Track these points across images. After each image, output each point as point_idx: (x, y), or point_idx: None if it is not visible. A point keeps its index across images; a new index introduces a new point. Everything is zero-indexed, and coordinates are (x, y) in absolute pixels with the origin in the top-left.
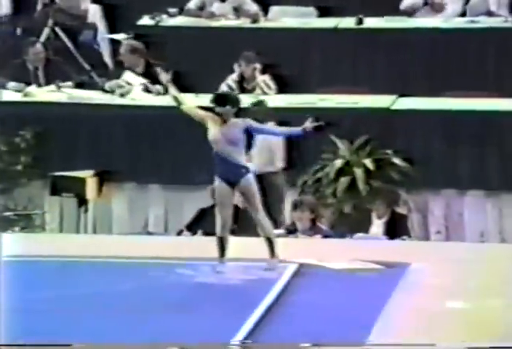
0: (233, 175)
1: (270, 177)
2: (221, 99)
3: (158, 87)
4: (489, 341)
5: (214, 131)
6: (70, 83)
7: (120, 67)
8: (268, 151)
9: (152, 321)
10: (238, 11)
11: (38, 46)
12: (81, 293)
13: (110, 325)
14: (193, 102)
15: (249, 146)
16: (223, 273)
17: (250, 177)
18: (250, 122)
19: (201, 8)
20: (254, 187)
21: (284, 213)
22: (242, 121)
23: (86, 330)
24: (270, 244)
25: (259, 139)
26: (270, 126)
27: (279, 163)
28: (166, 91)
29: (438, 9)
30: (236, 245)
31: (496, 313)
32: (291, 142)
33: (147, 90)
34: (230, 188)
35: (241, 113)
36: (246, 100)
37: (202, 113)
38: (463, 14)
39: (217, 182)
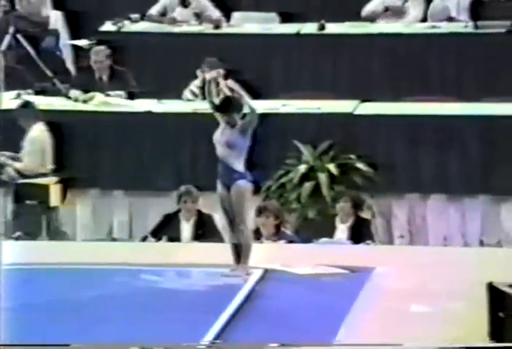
0: (227, 179)
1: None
2: (227, 102)
3: (121, 94)
4: (450, 344)
5: (217, 132)
6: (30, 90)
7: (82, 73)
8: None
9: (116, 327)
10: (200, 17)
11: None
12: (45, 300)
13: (73, 332)
14: (158, 108)
15: (251, 152)
16: (230, 277)
17: (242, 184)
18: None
19: (163, 14)
20: (244, 195)
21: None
22: (242, 125)
23: (48, 337)
24: (245, 251)
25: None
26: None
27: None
28: (129, 97)
29: (398, 15)
30: (201, 250)
31: (459, 316)
32: (252, 147)
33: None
34: (227, 192)
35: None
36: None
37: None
38: (424, 20)
39: (219, 187)
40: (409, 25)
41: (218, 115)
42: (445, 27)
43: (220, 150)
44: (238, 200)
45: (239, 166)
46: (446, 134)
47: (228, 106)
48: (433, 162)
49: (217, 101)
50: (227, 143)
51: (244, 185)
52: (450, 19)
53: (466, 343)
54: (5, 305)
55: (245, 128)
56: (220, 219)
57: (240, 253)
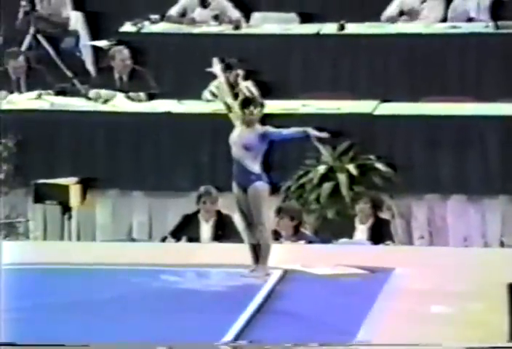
0: (244, 180)
1: None
2: (246, 102)
3: (141, 94)
4: (471, 344)
5: (234, 133)
6: (50, 91)
7: (102, 74)
8: None
9: (136, 328)
10: (219, 17)
11: (20, 59)
12: (65, 301)
13: (93, 332)
14: (178, 109)
15: (267, 154)
16: (249, 277)
17: (259, 185)
18: (267, 128)
19: (183, 14)
20: (261, 196)
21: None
22: (261, 127)
23: (68, 338)
24: (264, 252)
25: None
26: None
27: None
28: (149, 99)
29: (415, 18)
30: (220, 251)
31: (479, 317)
32: (272, 147)
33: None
34: (243, 193)
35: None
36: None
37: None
38: (444, 21)
39: (234, 188)
40: (429, 25)
41: (234, 116)
42: (465, 28)
43: (236, 152)
44: (255, 201)
45: (255, 167)
46: (465, 135)
47: (248, 106)
48: (452, 163)
49: (229, 101)
50: (244, 145)
51: (261, 186)
52: (470, 19)
53: (486, 344)
54: (24, 305)
55: (266, 133)
56: (239, 220)
57: (259, 254)
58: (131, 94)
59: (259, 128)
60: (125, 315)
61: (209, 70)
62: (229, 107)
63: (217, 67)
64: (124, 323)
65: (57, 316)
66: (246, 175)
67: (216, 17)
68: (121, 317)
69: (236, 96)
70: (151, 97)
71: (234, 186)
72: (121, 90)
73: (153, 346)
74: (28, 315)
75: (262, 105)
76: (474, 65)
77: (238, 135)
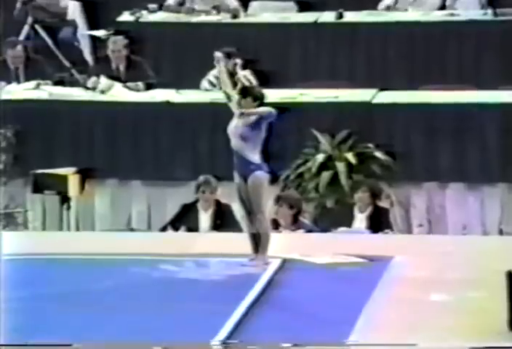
0: (244, 170)
1: None
2: (245, 91)
3: (139, 84)
4: (471, 333)
5: (231, 124)
6: (49, 81)
7: (100, 63)
8: None
9: (136, 317)
10: (218, 6)
11: (18, 49)
12: (64, 290)
13: (93, 322)
14: (176, 98)
15: (267, 143)
16: (249, 267)
17: (258, 175)
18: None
19: (181, 4)
20: (261, 185)
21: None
22: (257, 117)
23: (67, 328)
24: (264, 241)
25: None
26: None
27: None
28: (147, 88)
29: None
30: (219, 240)
31: (478, 305)
32: (270, 136)
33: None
34: (244, 183)
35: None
36: None
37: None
38: (442, 8)
39: (236, 178)
40: (427, 13)
41: (233, 106)
42: (463, 15)
43: (235, 142)
44: (255, 190)
45: (255, 157)
46: (464, 123)
47: (246, 95)
48: (451, 150)
49: (229, 90)
50: (241, 135)
51: (261, 175)
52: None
53: (484, 333)
54: (23, 295)
55: (260, 120)
56: (238, 209)
57: (258, 243)
58: (129, 83)
59: (253, 117)
60: (124, 305)
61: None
62: (229, 97)
63: (219, 56)
64: (123, 312)
65: (56, 306)
66: (246, 165)
67: (214, 7)
68: (120, 307)
69: (235, 85)
70: (149, 86)
71: (235, 176)
72: (118, 79)
73: (149, 346)
74: (28, 305)
75: (261, 95)
76: (473, 53)
77: (235, 125)
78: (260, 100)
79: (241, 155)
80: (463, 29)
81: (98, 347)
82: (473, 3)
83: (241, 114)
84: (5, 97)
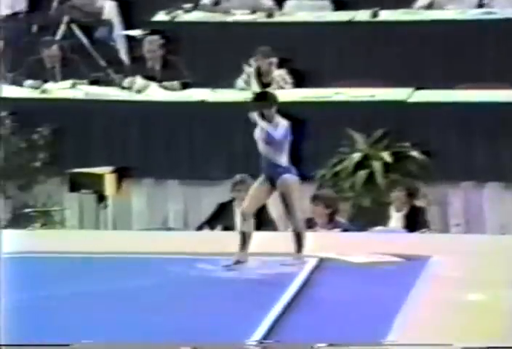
0: (272, 174)
1: None
2: (260, 96)
3: (174, 83)
4: (508, 333)
5: (257, 128)
6: (84, 81)
7: (136, 63)
8: None
9: (172, 316)
10: (253, 5)
11: (55, 48)
12: (100, 289)
13: (130, 321)
14: (211, 98)
15: (297, 147)
16: (286, 266)
17: (287, 177)
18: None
19: (217, 3)
20: (291, 188)
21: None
22: (283, 122)
23: (103, 326)
24: (299, 240)
25: None
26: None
27: None
28: (183, 87)
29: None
30: (256, 239)
31: None
32: (306, 136)
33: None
34: (270, 186)
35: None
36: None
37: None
38: (480, 6)
39: (259, 181)
40: (464, 11)
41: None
42: (501, 13)
43: (262, 146)
44: (287, 194)
45: (282, 160)
46: (500, 122)
47: (264, 100)
48: (488, 150)
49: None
50: (266, 140)
51: (290, 178)
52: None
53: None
54: (59, 292)
55: (284, 123)
56: (274, 209)
57: (246, 242)
58: (165, 83)
59: (279, 121)
60: (161, 304)
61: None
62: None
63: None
64: (159, 312)
65: (94, 305)
66: (274, 169)
67: (250, 5)
68: (156, 306)
69: (264, 85)
70: (185, 85)
71: (261, 177)
72: (153, 79)
73: (177, 346)
74: (63, 303)
75: (274, 100)
76: (510, 51)
77: (260, 130)
78: (272, 104)
79: (269, 159)
80: (500, 27)
81: (98, 347)
82: (510, 2)
83: (270, 120)
84: (42, 95)
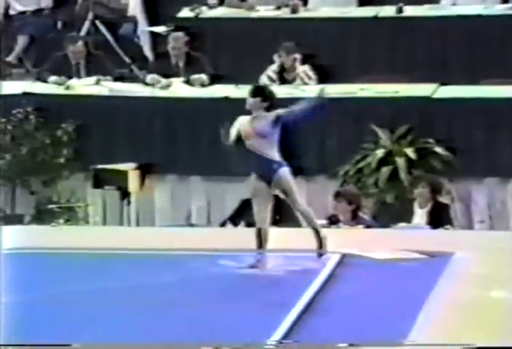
0: (266, 171)
1: None
2: (255, 91)
3: (203, 77)
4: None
5: (243, 127)
6: (109, 77)
7: (160, 59)
8: None
9: (195, 313)
10: (277, 1)
11: (79, 44)
12: (124, 285)
13: (152, 318)
14: (235, 94)
15: (283, 140)
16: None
17: (282, 172)
18: (277, 111)
19: None
20: (288, 182)
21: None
22: (271, 113)
23: (127, 322)
24: (316, 234)
25: None
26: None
27: None
28: (211, 81)
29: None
30: (278, 235)
31: None
32: (330, 131)
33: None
34: (265, 183)
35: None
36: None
37: (234, 129)
38: (505, 2)
39: (252, 176)
40: (489, 6)
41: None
42: None
43: (253, 143)
44: (286, 188)
45: (275, 155)
46: None
47: (256, 95)
48: (511, 145)
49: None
50: (258, 133)
51: (285, 171)
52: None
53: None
54: (84, 287)
55: (278, 118)
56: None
57: (262, 238)
58: (193, 76)
59: (268, 114)
60: (184, 301)
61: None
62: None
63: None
64: (182, 308)
65: (117, 301)
66: (268, 165)
67: (274, 1)
68: (180, 302)
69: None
70: (214, 79)
71: (253, 177)
72: (177, 76)
73: (198, 346)
74: (91, 298)
75: (271, 95)
76: None
77: (251, 127)
78: (269, 101)
79: (262, 156)
80: None
81: (98, 347)
82: None
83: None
84: (67, 92)
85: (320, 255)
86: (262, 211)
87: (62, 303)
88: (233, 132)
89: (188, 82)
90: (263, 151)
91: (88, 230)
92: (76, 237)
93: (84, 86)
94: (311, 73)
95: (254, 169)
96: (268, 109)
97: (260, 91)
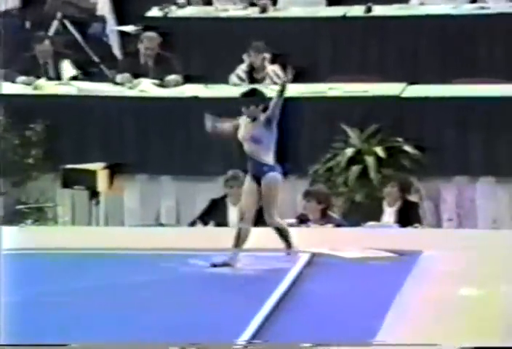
0: (257, 173)
1: None
2: (248, 93)
3: (174, 77)
4: (502, 327)
5: (242, 129)
6: (78, 75)
7: (129, 59)
8: None
9: (165, 313)
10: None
11: (46, 43)
12: (93, 285)
13: (121, 317)
14: (205, 93)
15: (279, 143)
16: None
17: (271, 176)
18: (267, 113)
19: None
20: (273, 188)
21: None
22: (262, 116)
23: (97, 323)
24: (283, 235)
25: None
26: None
27: None
28: (185, 82)
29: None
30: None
31: (508, 300)
32: (300, 131)
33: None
34: (257, 184)
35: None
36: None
37: (234, 123)
38: (473, 1)
39: (247, 176)
40: (458, 6)
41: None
42: (494, 8)
43: (248, 146)
44: (268, 191)
45: (269, 159)
46: (494, 116)
47: (252, 98)
48: (481, 144)
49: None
50: (252, 138)
51: (275, 176)
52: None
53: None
54: (53, 288)
55: (269, 120)
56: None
57: (241, 238)
58: (167, 78)
59: (262, 117)
60: (153, 301)
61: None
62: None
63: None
64: (152, 308)
65: (84, 301)
66: (259, 167)
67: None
68: (149, 302)
69: (257, 81)
70: (187, 79)
71: (248, 176)
72: (147, 75)
73: (165, 345)
74: (57, 299)
75: (263, 97)
76: (504, 46)
77: (247, 130)
78: (260, 102)
79: (255, 159)
80: (494, 22)
81: (98, 347)
82: None
83: (254, 119)
84: (35, 92)
85: (288, 255)
86: (248, 211)
87: (29, 305)
88: (235, 124)
89: (161, 85)
90: (256, 155)
91: (57, 230)
92: (45, 237)
93: (53, 85)
94: (280, 73)
95: (249, 170)
96: (264, 112)
97: (255, 95)
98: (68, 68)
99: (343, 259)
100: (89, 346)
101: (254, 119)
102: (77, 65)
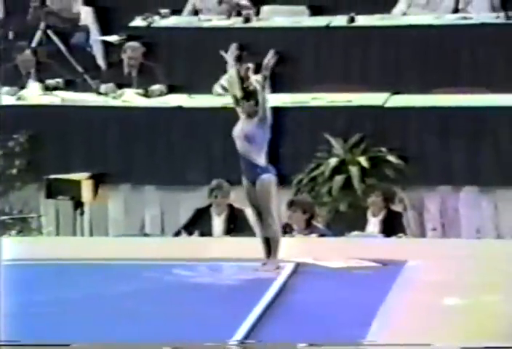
0: (251, 174)
1: None
2: (248, 95)
3: (158, 87)
4: (486, 337)
5: (237, 127)
6: (59, 80)
7: (112, 69)
8: None
9: (149, 322)
10: (230, 8)
11: (27, 53)
12: (78, 295)
13: (106, 327)
14: (189, 103)
15: (276, 146)
16: (260, 271)
17: (265, 178)
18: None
19: (196, 12)
20: (269, 189)
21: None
22: (259, 118)
23: (82, 333)
24: (274, 245)
25: None
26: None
27: None
28: (167, 92)
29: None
30: (233, 245)
31: (493, 309)
32: (283, 140)
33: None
34: (252, 187)
35: None
36: None
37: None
38: (456, 11)
39: (243, 181)
40: (440, 16)
41: (239, 108)
42: (476, 18)
43: (241, 145)
44: (263, 194)
45: (261, 160)
46: (477, 126)
47: (250, 97)
48: (464, 154)
49: (239, 93)
50: (247, 136)
51: (268, 178)
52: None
53: (501, 337)
54: (37, 300)
55: (264, 121)
56: (251, 214)
57: (271, 247)
58: (151, 88)
59: (257, 117)
60: (138, 310)
61: (222, 54)
62: (237, 100)
63: (230, 56)
64: (136, 317)
65: (69, 311)
66: (253, 168)
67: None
68: (133, 312)
69: (244, 89)
70: (171, 90)
71: (244, 181)
72: (130, 85)
73: (159, 346)
74: (42, 309)
75: (264, 100)
76: (486, 56)
77: (241, 128)
78: (257, 102)
79: (248, 159)
80: (476, 32)
81: (98, 347)
82: (485, 7)
83: (248, 115)
84: (18, 102)
85: (264, 264)
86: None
87: (12, 316)
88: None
89: (145, 95)
90: (248, 154)
91: (41, 240)
92: (29, 248)
93: (36, 96)
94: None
95: (243, 172)
96: (256, 106)
97: (253, 96)
98: (109, 86)
99: (328, 269)
100: (89, 346)
101: (251, 118)
102: (60, 74)
